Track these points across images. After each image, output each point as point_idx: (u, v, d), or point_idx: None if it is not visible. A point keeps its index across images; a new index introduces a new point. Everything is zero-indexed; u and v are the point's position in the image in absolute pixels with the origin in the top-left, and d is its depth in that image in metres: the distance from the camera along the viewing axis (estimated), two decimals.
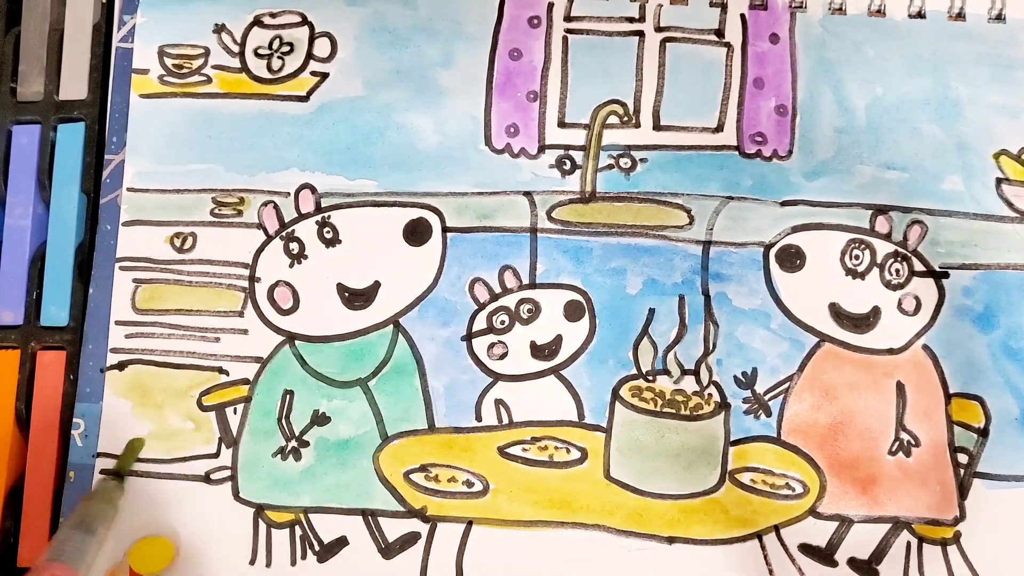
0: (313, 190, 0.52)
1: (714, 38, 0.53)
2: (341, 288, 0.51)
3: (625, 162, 0.52)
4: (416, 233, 0.51)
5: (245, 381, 0.50)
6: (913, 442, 0.49)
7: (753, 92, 0.52)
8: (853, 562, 0.48)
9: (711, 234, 0.51)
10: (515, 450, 0.49)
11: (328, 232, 0.51)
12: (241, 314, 0.51)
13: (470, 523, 0.49)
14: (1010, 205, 0.51)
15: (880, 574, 0.48)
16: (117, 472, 0.49)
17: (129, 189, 0.52)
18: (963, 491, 0.49)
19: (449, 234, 0.51)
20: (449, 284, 0.51)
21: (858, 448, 0.49)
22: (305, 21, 0.54)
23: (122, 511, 0.49)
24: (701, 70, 0.53)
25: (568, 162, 0.52)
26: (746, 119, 0.52)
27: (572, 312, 0.51)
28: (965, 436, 0.49)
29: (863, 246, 0.51)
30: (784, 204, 0.51)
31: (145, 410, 0.50)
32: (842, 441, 0.49)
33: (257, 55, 0.53)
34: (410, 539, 0.49)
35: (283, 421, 0.50)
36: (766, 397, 0.50)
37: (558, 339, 0.50)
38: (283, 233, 0.51)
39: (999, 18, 0.53)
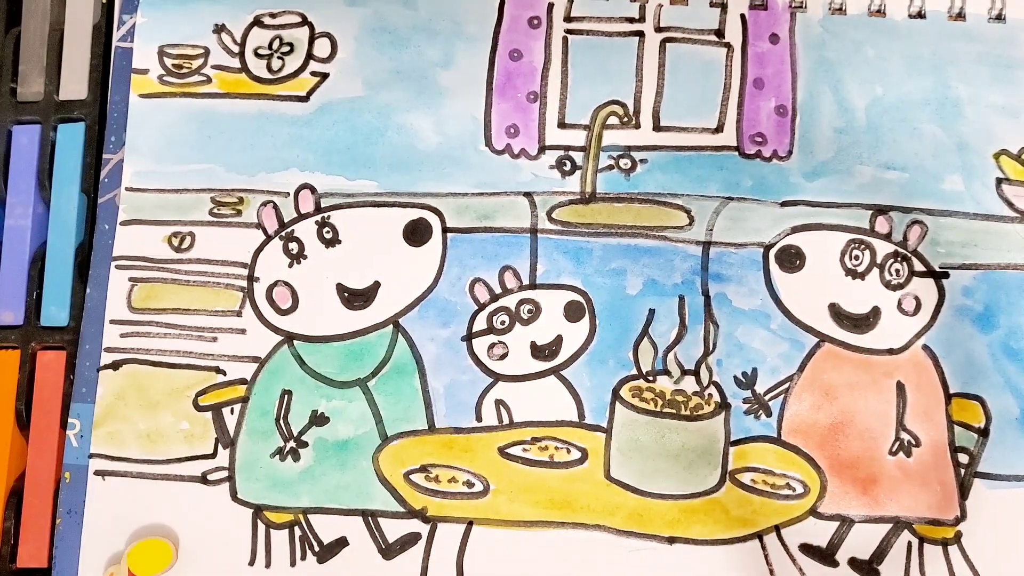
0: (313, 190, 0.52)
1: (714, 38, 0.53)
2: (341, 288, 0.51)
3: (625, 163, 0.52)
4: (416, 233, 0.51)
5: (243, 381, 0.50)
6: (913, 442, 0.49)
7: (753, 92, 0.52)
8: (854, 562, 0.48)
9: (711, 235, 0.51)
10: (515, 450, 0.49)
11: (328, 232, 0.51)
12: (239, 314, 0.51)
13: (470, 523, 0.49)
14: (1010, 205, 0.51)
15: (881, 574, 0.48)
16: None
17: (128, 189, 0.52)
18: (964, 491, 0.48)
19: (449, 234, 0.51)
20: (449, 284, 0.51)
21: (858, 448, 0.49)
22: (305, 21, 0.54)
23: (119, 513, 0.49)
24: (701, 70, 0.53)
25: (568, 163, 0.52)
26: (746, 119, 0.52)
27: (572, 312, 0.51)
28: (965, 436, 0.49)
29: (863, 246, 0.51)
30: (784, 204, 0.51)
31: (140, 410, 0.50)
32: (842, 441, 0.49)
33: (257, 55, 0.53)
34: (410, 540, 0.49)
35: (281, 421, 0.50)
36: (766, 397, 0.50)
37: (558, 339, 0.50)
38: (282, 233, 0.51)
39: (999, 18, 0.53)
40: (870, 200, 0.51)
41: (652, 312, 0.50)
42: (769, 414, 0.49)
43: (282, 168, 0.52)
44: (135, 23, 0.54)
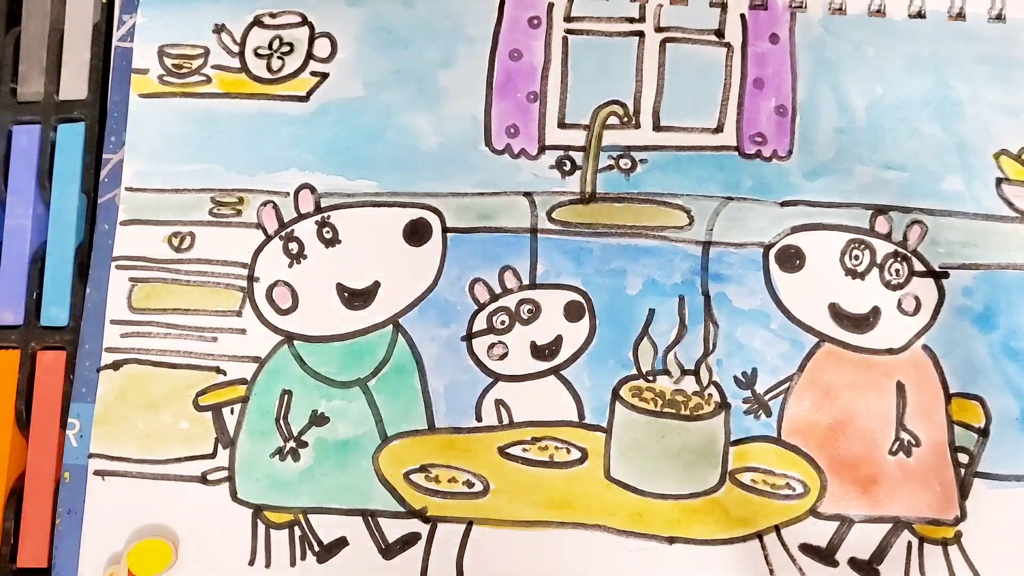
0: (312, 190, 0.52)
1: (714, 38, 0.53)
2: (341, 288, 0.51)
3: (625, 163, 0.52)
4: (416, 233, 0.51)
5: (243, 381, 0.50)
6: (913, 442, 0.49)
7: (753, 92, 0.52)
8: (854, 562, 0.48)
9: (711, 235, 0.51)
10: (515, 450, 0.49)
11: (328, 232, 0.51)
12: (239, 314, 0.51)
13: (470, 523, 0.49)
14: (1010, 205, 0.51)
15: (881, 574, 0.48)
16: None
17: (128, 188, 0.52)
18: (964, 491, 0.48)
19: (449, 234, 0.51)
20: (449, 284, 0.51)
21: (858, 448, 0.49)
22: (305, 21, 0.54)
23: (119, 513, 0.49)
24: (701, 70, 0.53)
25: (568, 163, 0.52)
26: (746, 119, 0.52)
27: (572, 312, 0.51)
28: (965, 436, 0.49)
29: (863, 246, 0.51)
30: (784, 204, 0.51)
31: (140, 410, 0.50)
32: (842, 441, 0.49)
33: (257, 55, 0.53)
34: (410, 539, 0.49)
35: (281, 421, 0.50)
36: (766, 397, 0.50)
37: (558, 339, 0.50)
38: (282, 233, 0.51)
39: (999, 18, 0.53)
40: (870, 200, 0.51)
41: (652, 312, 0.50)
42: (769, 414, 0.49)
43: (282, 168, 0.52)
44: (135, 23, 0.54)
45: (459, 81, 0.53)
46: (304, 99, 0.53)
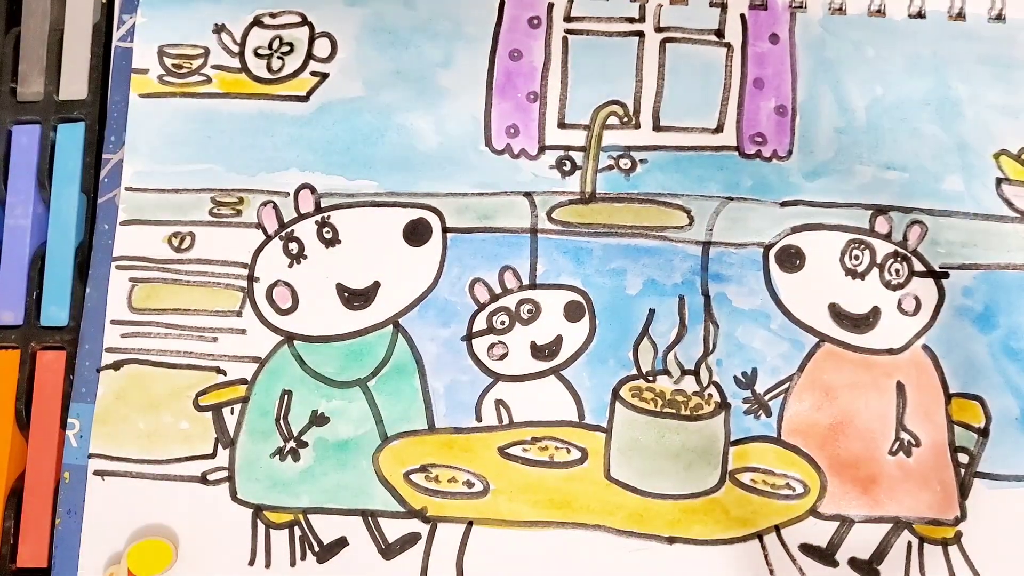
0: (312, 190, 0.52)
1: (714, 38, 0.53)
2: (341, 288, 0.51)
3: (625, 163, 0.52)
4: (416, 233, 0.51)
5: (243, 381, 0.50)
6: (913, 442, 0.49)
7: (753, 92, 0.52)
8: (854, 562, 0.48)
9: (711, 235, 0.51)
10: (515, 450, 0.49)
11: (328, 232, 0.51)
12: (239, 314, 0.51)
13: (470, 523, 0.49)
14: (1010, 205, 0.51)
15: (881, 574, 0.48)
16: None
17: (128, 188, 0.52)
18: (964, 491, 0.48)
19: (449, 234, 0.51)
20: (449, 284, 0.51)
21: (858, 448, 0.49)
22: (305, 21, 0.54)
23: (119, 513, 0.49)
24: (701, 70, 0.53)
25: (568, 163, 0.52)
26: (746, 119, 0.52)
27: (572, 312, 0.51)
28: (965, 436, 0.49)
29: (863, 246, 0.51)
30: (784, 204, 0.51)
31: (140, 410, 0.50)
32: (842, 441, 0.49)
33: (257, 55, 0.53)
34: (410, 540, 0.49)
35: (281, 421, 0.50)
36: (766, 397, 0.50)
37: (558, 339, 0.50)
38: (282, 233, 0.51)
39: (999, 18, 0.53)
40: (870, 200, 0.51)
41: (652, 312, 0.50)
42: (769, 414, 0.49)
43: (282, 168, 0.52)
44: (135, 23, 0.54)
45: (459, 81, 0.53)
46: (304, 99, 0.53)
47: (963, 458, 0.49)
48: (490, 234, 0.51)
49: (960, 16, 0.53)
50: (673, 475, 0.49)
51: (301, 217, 0.52)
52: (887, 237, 0.51)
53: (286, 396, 0.50)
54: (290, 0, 0.54)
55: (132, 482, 0.49)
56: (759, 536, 0.48)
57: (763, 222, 0.51)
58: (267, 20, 0.54)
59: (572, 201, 0.52)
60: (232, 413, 0.50)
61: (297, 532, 0.49)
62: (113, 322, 0.51)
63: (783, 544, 0.48)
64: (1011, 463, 0.49)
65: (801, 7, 0.53)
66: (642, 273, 0.51)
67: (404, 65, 0.53)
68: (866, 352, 0.50)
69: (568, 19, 0.53)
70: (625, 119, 0.52)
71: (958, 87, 0.52)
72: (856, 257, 0.51)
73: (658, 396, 0.50)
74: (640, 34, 0.53)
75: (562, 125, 0.52)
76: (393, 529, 0.49)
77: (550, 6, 0.53)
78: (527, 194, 0.52)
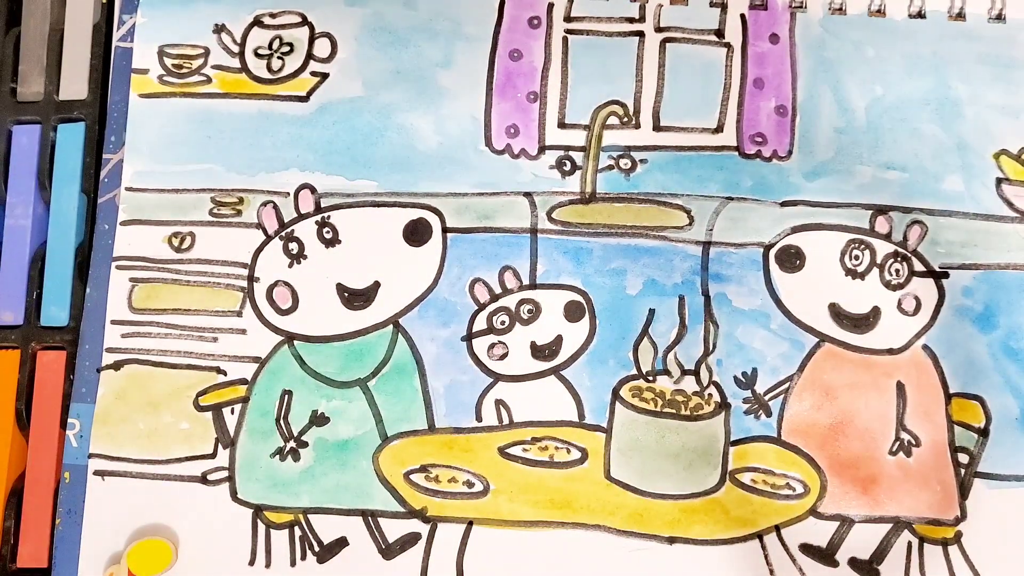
0: (312, 190, 0.52)
1: (714, 38, 0.53)
2: (341, 288, 0.51)
3: (625, 163, 0.52)
4: (416, 233, 0.51)
5: (243, 381, 0.50)
6: (913, 442, 0.49)
7: (753, 92, 0.52)
8: (854, 562, 0.48)
9: (711, 235, 0.51)
10: (515, 450, 0.49)
11: (328, 232, 0.51)
12: (239, 314, 0.51)
13: (470, 524, 0.49)
14: (1010, 205, 0.51)
15: (881, 574, 0.48)
16: None
17: (128, 188, 0.52)
18: (964, 491, 0.48)
19: (449, 234, 0.51)
20: (449, 284, 0.51)
21: (858, 448, 0.49)
22: (305, 21, 0.54)
23: (119, 513, 0.49)
24: (701, 70, 0.53)
25: (568, 163, 0.52)
26: (746, 119, 0.52)
27: (572, 312, 0.51)
28: (965, 436, 0.49)
29: (863, 246, 0.51)
30: (784, 204, 0.51)
31: (141, 410, 0.50)
32: (842, 441, 0.49)
33: (257, 55, 0.53)
34: (410, 540, 0.49)
35: (281, 421, 0.50)
36: (766, 397, 0.50)
37: (558, 339, 0.50)
38: (282, 233, 0.51)
39: (999, 18, 0.53)
40: (870, 200, 0.51)
41: (652, 312, 0.50)
42: (769, 414, 0.49)
43: (282, 168, 0.52)
44: (135, 23, 0.54)
45: (459, 81, 0.53)
46: (304, 99, 0.53)
47: (963, 458, 0.49)
48: (490, 234, 0.51)
49: (960, 16, 0.53)
50: (673, 475, 0.49)
51: (301, 217, 0.52)
52: (887, 237, 0.51)
53: (286, 396, 0.50)
54: (290, 0, 0.54)
55: (132, 482, 0.49)
56: (759, 536, 0.48)
57: (763, 222, 0.51)
58: (267, 20, 0.54)
59: (572, 201, 0.52)
60: (232, 413, 0.50)
61: (297, 532, 0.49)
62: (113, 322, 0.51)
63: (783, 544, 0.48)
64: (1011, 463, 0.49)
65: (801, 7, 0.53)
66: (642, 273, 0.51)
67: (404, 65, 0.53)
68: (866, 352, 0.50)
69: (568, 19, 0.53)
70: (625, 119, 0.52)
71: (958, 87, 0.52)
72: (856, 257, 0.51)
73: (658, 396, 0.50)
74: (640, 34, 0.53)
75: (562, 125, 0.52)
76: (393, 529, 0.49)
77: (550, 6, 0.53)
78: (527, 194, 0.52)
